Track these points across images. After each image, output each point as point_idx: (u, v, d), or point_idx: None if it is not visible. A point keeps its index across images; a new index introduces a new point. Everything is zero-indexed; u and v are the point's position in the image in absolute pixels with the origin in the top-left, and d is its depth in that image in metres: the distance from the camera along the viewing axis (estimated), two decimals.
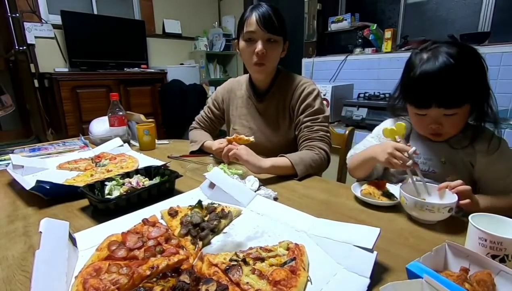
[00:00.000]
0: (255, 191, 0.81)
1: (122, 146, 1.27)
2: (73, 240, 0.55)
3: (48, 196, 0.80)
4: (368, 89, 2.60)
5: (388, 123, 0.99)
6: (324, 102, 1.15)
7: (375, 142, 0.98)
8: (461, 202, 0.67)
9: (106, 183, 0.82)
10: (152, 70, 3.55)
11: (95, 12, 3.46)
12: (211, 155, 1.17)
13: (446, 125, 0.79)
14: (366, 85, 2.68)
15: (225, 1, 4.43)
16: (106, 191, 0.80)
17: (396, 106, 0.89)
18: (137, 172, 0.90)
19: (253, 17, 1.03)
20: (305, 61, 3.18)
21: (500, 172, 0.79)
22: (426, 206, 0.65)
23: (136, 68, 3.46)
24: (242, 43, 1.09)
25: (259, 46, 1.04)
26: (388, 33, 2.56)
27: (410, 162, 0.72)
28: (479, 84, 0.75)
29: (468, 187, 0.69)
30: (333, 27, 3.05)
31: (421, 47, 0.80)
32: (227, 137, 1.01)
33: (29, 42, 2.94)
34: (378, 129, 1.00)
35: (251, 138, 0.99)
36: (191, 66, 3.91)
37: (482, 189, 0.84)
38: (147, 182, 0.85)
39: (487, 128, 0.83)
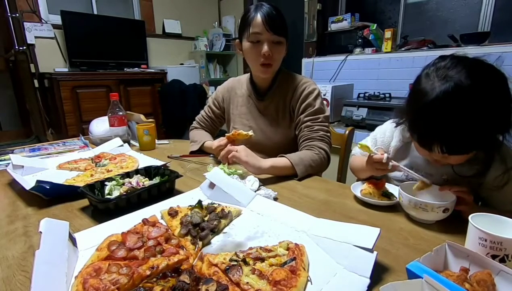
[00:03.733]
0: (255, 191, 0.81)
1: (122, 146, 1.27)
2: (73, 240, 0.55)
3: (48, 196, 0.80)
4: (368, 89, 2.60)
5: (387, 126, 0.98)
6: (324, 102, 1.15)
7: (370, 144, 0.95)
8: (461, 206, 0.67)
9: (106, 183, 0.82)
10: (152, 70, 3.55)
11: (95, 12, 3.46)
12: (211, 155, 1.17)
13: (451, 159, 0.69)
14: (366, 85, 2.68)
15: (225, 1, 4.43)
16: (106, 191, 0.80)
17: (401, 122, 0.82)
18: (137, 172, 0.90)
19: (259, 18, 1.02)
20: (305, 61, 3.18)
21: (510, 195, 0.74)
22: (420, 204, 0.65)
23: (136, 68, 3.46)
24: (247, 44, 1.07)
25: (265, 47, 1.03)
26: (388, 33, 2.56)
27: (390, 165, 0.76)
28: (496, 127, 0.63)
29: (470, 196, 0.67)
30: (333, 27, 3.05)
31: (434, 66, 0.67)
32: (227, 134, 1.01)
33: (29, 42, 2.94)
34: (376, 132, 0.99)
35: (250, 133, 0.99)
36: (191, 66, 3.91)
37: (487, 205, 0.80)
38: (147, 182, 0.85)
39: (501, 148, 0.71)
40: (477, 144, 0.63)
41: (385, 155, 0.76)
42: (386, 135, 0.93)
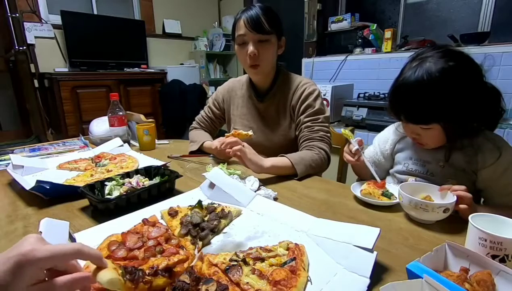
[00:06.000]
0: (255, 191, 0.81)
1: (122, 146, 1.27)
2: (73, 240, 0.55)
3: (48, 196, 0.80)
4: (368, 89, 2.60)
5: (386, 129, 1.03)
6: (324, 102, 1.16)
7: (372, 149, 1.03)
8: (460, 206, 0.67)
9: (106, 183, 0.82)
10: (152, 70, 3.55)
11: (95, 12, 3.46)
12: (211, 155, 1.17)
13: (424, 137, 0.81)
14: (366, 85, 2.68)
15: (225, 1, 4.43)
16: (106, 191, 0.80)
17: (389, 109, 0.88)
18: (137, 172, 0.90)
19: (242, 20, 1.04)
20: (305, 61, 3.18)
21: (506, 187, 0.77)
22: (420, 204, 0.65)
23: (136, 68, 3.46)
24: (236, 47, 1.11)
25: (250, 48, 1.05)
26: (388, 33, 2.56)
27: (356, 157, 0.86)
28: (455, 106, 0.72)
29: (469, 194, 0.67)
30: (333, 27, 3.05)
31: (419, 52, 0.79)
32: (226, 135, 1.01)
33: (29, 42, 2.94)
34: (375, 138, 1.04)
35: (250, 133, 0.99)
36: (191, 66, 3.91)
37: (486, 200, 0.83)
38: (147, 182, 0.85)
39: (495, 138, 0.80)
40: (432, 116, 0.74)
41: (356, 147, 0.86)
42: (385, 134, 1.01)
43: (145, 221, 0.63)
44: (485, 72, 0.75)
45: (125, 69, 3.37)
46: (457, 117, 0.74)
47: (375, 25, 2.65)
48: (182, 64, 4.05)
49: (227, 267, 0.49)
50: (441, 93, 0.72)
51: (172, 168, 0.96)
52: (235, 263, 0.50)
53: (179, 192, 0.84)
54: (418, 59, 0.76)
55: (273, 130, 1.18)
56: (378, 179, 0.83)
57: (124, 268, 0.43)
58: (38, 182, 0.77)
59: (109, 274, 0.39)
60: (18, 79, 3.26)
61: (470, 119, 0.75)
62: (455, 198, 0.66)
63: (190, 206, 0.72)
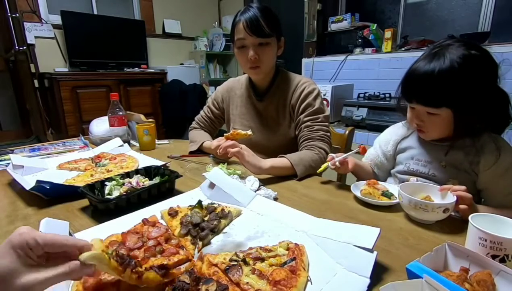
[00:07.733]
0: (255, 191, 0.81)
1: (122, 146, 1.27)
2: None
3: (48, 196, 0.80)
4: (368, 89, 2.60)
5: (387, 129, 1.03)
6: (324, 102, 1.16)
7: (373, 151, 1.03)
8: (460, 206, 0.67)
9: (106, 183, 0.82)
10: (152, 70, 3.55)
11: (95, 12, 3.46)
12: (211, 155, 1.17)
13: (427, 123, 0.82)
14: (366, 85, 2.69)
15: (225, 1, 4.43)
16: (106, 191, 0.80)
17: (400, 105, 0.90)
18: (137, 172, 0.90)
19: (241, 23, 1.03)
20: (305, 61, 3.18)
21: (506, 188, 0.77)
22: (420, 204, 0.65)
23: (136, 68, 3.46)
24: (235, 50, 1.10)
25: (250, 52, 1.04)
26: (388, 33, 2.56)
27: (337, 163, 0.89)
28: (468, 95, 0.73)
29: (469, 195, 0.67)
30: (333, 27, 3.05)
31: (439, 42, 0.80)
32: (225, 134, 1.01)
33: (29, 42, 2.94)
34: (376, 139, 1.05)
35: (249, 132, 0.99)
36: (191, 66, 3.91)
37: (486, 200, 0.83)
38: (147, 182, 0.85)
39: (497, 138, 0.80)
40: (444, 100, 0.75)
41: (329, 163, 0.89)
42: (386, 136, 1.01)
43: (145, 221, 0.63)
44: (500, 74, 0.76)
45: (125, 69, 3.37)
46: (467, 107, 0.74)
47: (375, 25, 2.65)
48: (182, 64, 4.05)
49: (227, 267, 0.49)
50: (457, 78, 0.72)
51: (172, 168, 0.96)
52: (235, 263, 0.50)
53: (179, 192, 0.84)
54: (437, 47, 0.77)
55: (272, 129, 1.18)
56: (356, 150, 0.91)
57: (116, 252, 0.43)
58: (38, 182, 0.77)
59: (92, 251, 0.39)
60: (18, 79, 3.27)
61: (478, 113, 0.75)
62: (455, 198, 0.65)
63: (190, 206, 0.72)
